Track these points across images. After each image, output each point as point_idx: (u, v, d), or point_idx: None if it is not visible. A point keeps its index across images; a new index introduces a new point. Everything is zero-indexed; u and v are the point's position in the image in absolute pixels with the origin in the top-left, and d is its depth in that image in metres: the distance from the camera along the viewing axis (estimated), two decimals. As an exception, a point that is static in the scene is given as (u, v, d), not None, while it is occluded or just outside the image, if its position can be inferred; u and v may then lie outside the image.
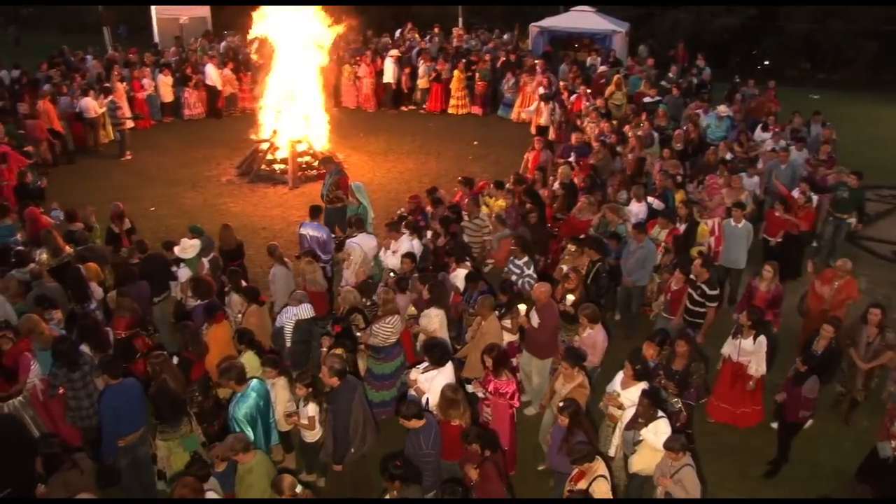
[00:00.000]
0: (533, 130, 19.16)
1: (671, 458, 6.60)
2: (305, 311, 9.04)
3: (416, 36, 27.03)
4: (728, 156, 14.26)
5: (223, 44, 25.57)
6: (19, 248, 10.38)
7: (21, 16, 40.94)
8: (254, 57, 22.68)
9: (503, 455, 7.16)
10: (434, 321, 8.84)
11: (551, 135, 18.21)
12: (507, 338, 9.02)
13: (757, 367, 8.58)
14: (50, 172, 17.06)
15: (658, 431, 6.95)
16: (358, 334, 8.81)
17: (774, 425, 8.75)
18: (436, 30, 27.35)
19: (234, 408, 7.39)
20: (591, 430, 7.19)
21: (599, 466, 6.49)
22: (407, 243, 10.59)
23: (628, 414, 7.38)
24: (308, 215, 11.49)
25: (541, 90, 20.23)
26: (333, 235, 11.45)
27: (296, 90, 17.64)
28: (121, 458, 7.54)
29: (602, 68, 21.77)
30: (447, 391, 7.23)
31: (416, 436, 6.90)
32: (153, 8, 28.07)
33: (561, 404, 7.06)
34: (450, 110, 23.20)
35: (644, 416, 7.07)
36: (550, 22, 26.17)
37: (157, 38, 27.46)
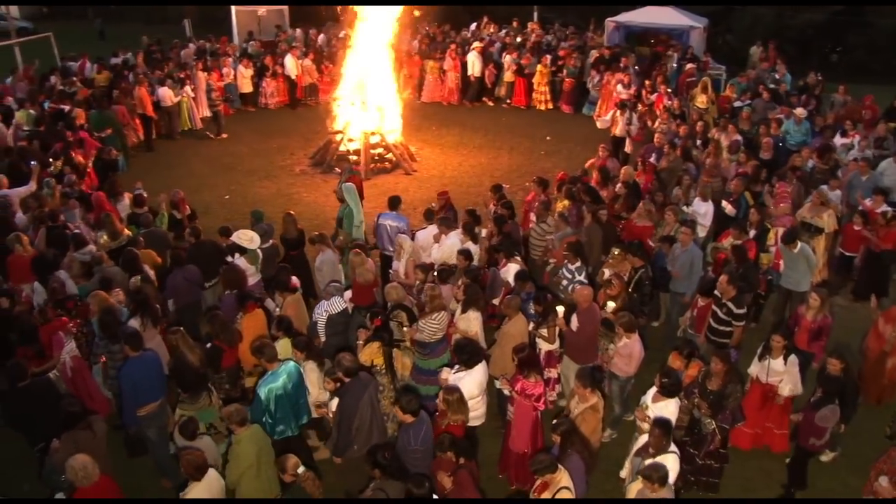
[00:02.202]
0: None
1: (648, 489, 6.17)
2: (336, 304, 9.05)
3: (492, 29, 26.87)
4: (809, 163, 13.59)
5: (320, 36, 26.06)
6: (76, 231, 10.75)
7: (109, 9, 42.32)
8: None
9: (477, 464, 7.06)
10: (473, 324, 8.72)
11: (627, 147, 17.07)
12: (545, 347, 8.86)
13: (793, 387, 8.11)
14: (138, 156, 17.91)
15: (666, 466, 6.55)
16: (405, 329, 8.78)
17: None
18: (514, 24, 27.16)
19: (261, 384, 7.49)
20: (587, 449, 6.87)
21: (563, 478, 6.25)
22: (454, 239, 10.48)
23: (642, 439, 7.09)
24: (387, 206, 11.60)
25: (620, 88, 19.73)
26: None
27: (371, 82, 17.76)
28: (147, 427, 7.85)
29: (689, 66, 20.93)
30: (445, 393, 7.20)
31: (407, 431, 6.91)
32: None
33: (554, 422, 6.88)
34: (533, 104, 22.92)
35: (655, 447, 6.68)
36: (627, 17, 25.66)
37: (235, 31, 28.04)
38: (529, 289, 9.35)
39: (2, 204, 11.56)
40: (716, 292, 9.09)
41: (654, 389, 7.51)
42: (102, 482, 6.25)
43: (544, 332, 8.76)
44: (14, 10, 35.04)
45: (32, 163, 12.92)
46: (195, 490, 6.34)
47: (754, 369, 8.41)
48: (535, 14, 29.24)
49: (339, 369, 7.30)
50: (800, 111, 15.90)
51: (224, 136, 20.08)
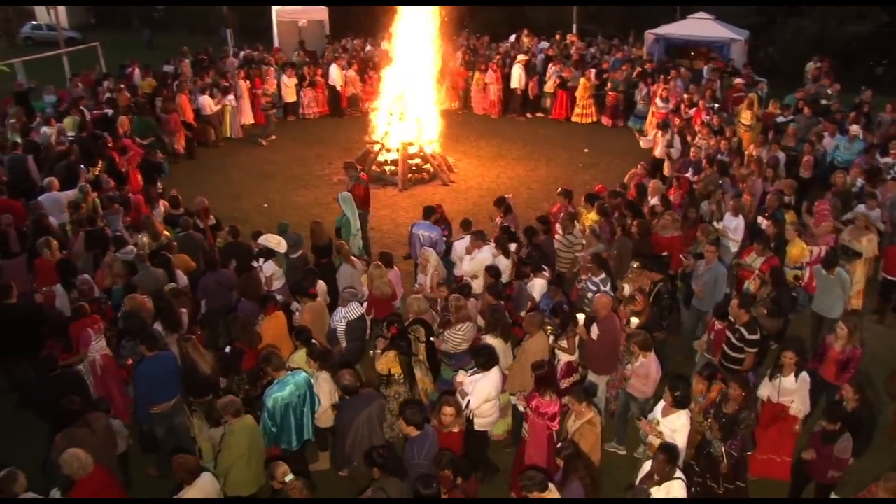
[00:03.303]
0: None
1: None
2: (353, 310, 9.09)
3: (528, 41, 26.83)
4: (858, 182, 13.19)
5: (367, 47, 26.34)
6: (117, 233, 11.00)
7: (153, 19, 43.33)
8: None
9: (474, 485, 6.98)
10: None
11: (666, 170, 15.77)
12: (565, 358, 8.77)
13: (801, 406, 7.85)
14: (179, 163, 18.37)
15: (671, 494, 6.37)
16: (432, 339, 8.79)
17: None
18: (557, 36, 27.15)
19: (267, 392, 7.56)
20: (591, 475, 6.69)
21: (554, 495, 6.17)
22: (486, 254, 10.45)
23: (646, 466, 6.90)
24: (422, 215, 11.68)
25: (659, 102, 19.48)
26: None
27: (410, 93, 17.89)
28: (157, 425, 8.09)
29: (737, 81, 20.48)
30: (444, 404, 7.20)
31: (412, 445, 6.94)
32: (274, 11, 29.08)
33: (558, 445, 6.77)
34: (573, 118, 22.67)
35: (659, 473, 6.49)
36: (667, 29, 25.52)
37: (276, 41, 28.44)
38: (559, 298, 9.36)
39: (32, 207, 11.99)
40: (729, 318, 8.80)
41: (661, 404, 7.40)
42: (98, 473, 6.51)
43: (563, 342, 8.68)
44: (63, 20, 35.92)
45: (82, 166, 13.28)
46: (188, 494, 6.51)
47: (765, 391, 8.12)
48: (574, 26, 29.19)
49: (339, 387, 7.42)
50: (854, 129, 15.36)
51: (264, 143, 20.43)
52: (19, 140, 15.31)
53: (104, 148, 14.91)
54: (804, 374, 7.88)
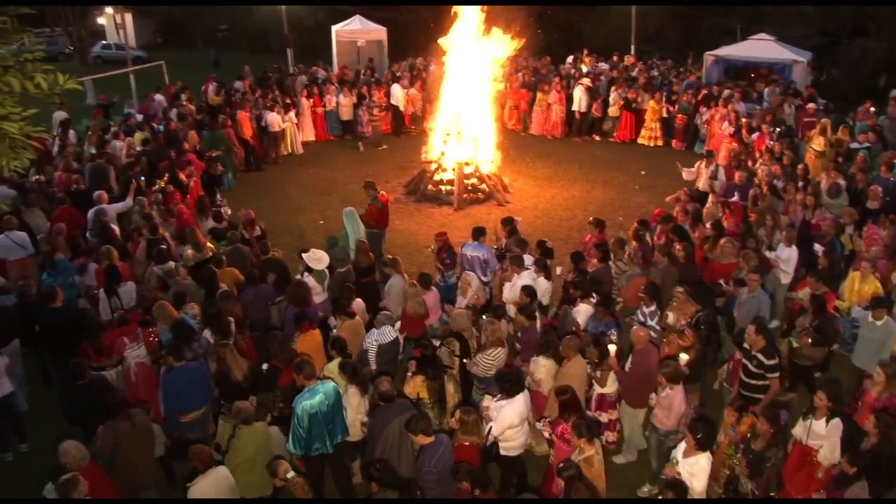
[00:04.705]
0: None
1: None
2: (386, 335, 9.05)
3: (584, 64, 26.71)
4: None
5: (430, 67, 26.54)
6: (162, 246, 11.29)
7: (217, 39, 44.65)
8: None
9: (493, 497, 6.91)
10: (540, 370, 8.52)
11: (708, 203, 14.08)
12: (598, 390, 8.60)
13: (830, 453, 7.28)
14: (238, 178, 18.84)
15: None
16: (464, 360, 8.75)
17: None
18: (615, 58, 27.02)
19: (297, 400, 7.60)
20: (594, 496, 6.53)
21: None
22: (526, 280, 10.34)
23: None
24: (471, 236, 11.66)
25: (725, 125, 19.03)
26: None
27: (467, 113, 18.00)
28: (188, 432, 8.28)
29: (809, 106, 19.64)
30: (462, 413, 7.21)
31: (423, 453, 6.97)
32: (333, 31, 29.62)
33: (560, 465, 6.64)
34: (640, 140, 22.46)
35: None
36: (727, 51, 25.16)
37: (335, 61, 28.92)
38: (608, 319, 9.28)
39: (97, 213, 12.54)
40: (745, 345, 8.52)
41: (684, 444, 7.12)
42: (93, 468, 6.82)
43: (597, 374, 8.52)
44: (131, 39, 37.13)
45: (142, 178, 13.82)
46: (200, 483, 6.68)
47: (798, 429, 7.73)
48: (633, 47, 29.02)
49: (376, 392, 7.55)
50: None
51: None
52: (94, 151, 16.07)
53: (169, 161, 15.42)
54: (836, 420, 7.40)
